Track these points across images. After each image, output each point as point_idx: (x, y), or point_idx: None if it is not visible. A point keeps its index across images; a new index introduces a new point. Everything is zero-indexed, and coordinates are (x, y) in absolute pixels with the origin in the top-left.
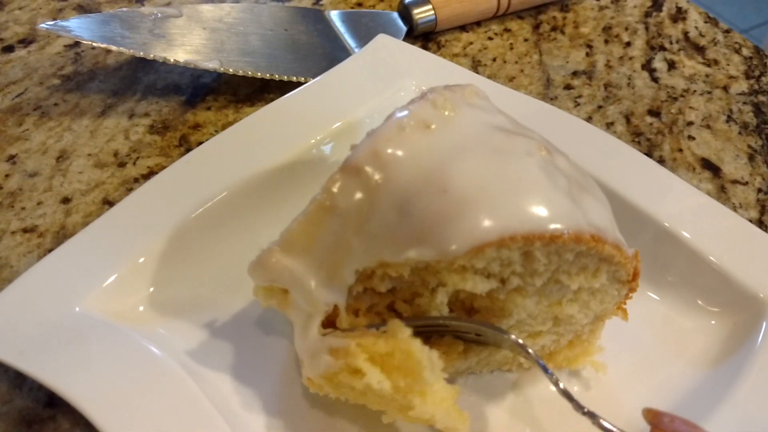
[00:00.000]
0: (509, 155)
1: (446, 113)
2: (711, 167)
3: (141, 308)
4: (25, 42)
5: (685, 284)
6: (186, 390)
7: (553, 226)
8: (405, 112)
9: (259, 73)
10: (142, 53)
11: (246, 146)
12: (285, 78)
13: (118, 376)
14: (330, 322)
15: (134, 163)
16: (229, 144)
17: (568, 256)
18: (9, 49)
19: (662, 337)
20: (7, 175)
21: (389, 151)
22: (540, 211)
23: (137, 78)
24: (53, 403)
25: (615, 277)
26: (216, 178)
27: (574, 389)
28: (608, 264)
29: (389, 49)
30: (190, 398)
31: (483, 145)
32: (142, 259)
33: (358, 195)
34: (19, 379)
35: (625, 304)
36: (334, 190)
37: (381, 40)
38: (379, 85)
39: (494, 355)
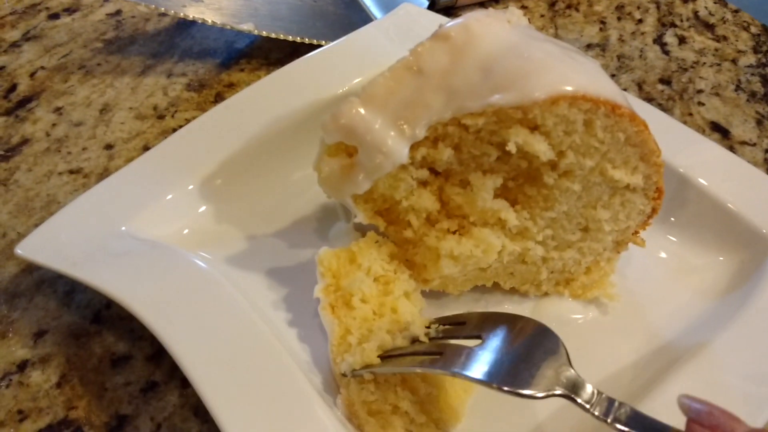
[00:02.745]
0: (567, 49)
1: (516, 20)
2: (720, 130)
3: (186, 231)
4: (70, 10)
5: (696, 225)
6: (228, 295)
7: (616, 99)
8: (489, 10)
9: (290, 37)
10: (182, 14)
11: (280, 94)
12: (314, 41)
13: (164, 282)
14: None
15: (173, 116)
16: (264, 92)
17: (620, 135)
18: (55, 16)
19: (673, 273)
20: (54, 124)
21: (477, 25)
22: (607, 87)
23: (174, 43)
24: (99, 319)
25: (646, 186)
26: (253, 121)
27: (589, 315)
28: (646, 164)
29: (413, 16)
30: (232, 303)
31: (547, 41)
32: (190, 186)
33: (444, 58)
34: (67, 298)
35: (643, 229)
36: (421, 51)
37: (405, 7)
38: (403, 47)
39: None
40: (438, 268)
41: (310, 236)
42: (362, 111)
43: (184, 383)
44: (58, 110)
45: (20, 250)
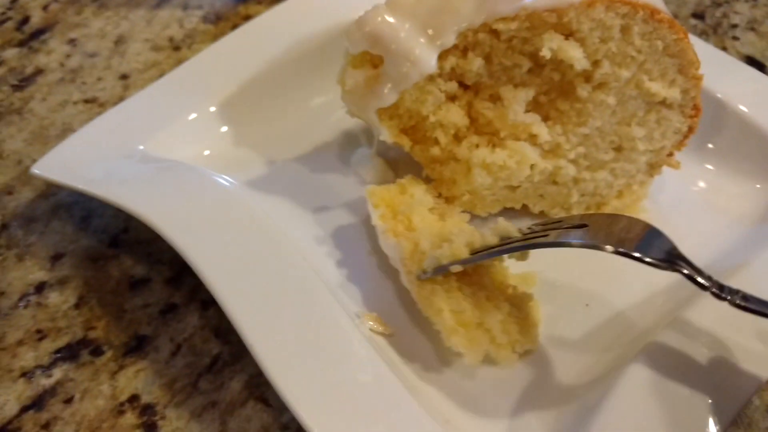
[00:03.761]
0: None
1: None
2: (755, 64)
3: (206, 152)
4: None
5: (734, 152)
6: (252, 213)
7: (655, 4)
8: None
9: None
10: None
11: (298, 20)
12: None
13: (187, 199)
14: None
15: (189, 48)
16: (283, 18)
17: (658, 44)
18: None
19: (709, 200)
20: (68, 56)
21: None
22: None
23: None
24: (117, 243)
25: (683, 101)
26: (272, 46)
27: None
28: (685, 77)
29: None
30: (255, 220)
31: None
32: (212, 108)
33: None
34: (83, 223)
35: (679, 150)
36: None
37: None
38: None
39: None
40: (470, 179)
41: (333, 162)
42: (388, 18)
43: (204, 305)
44: (71, 42)
45: (37, 169)
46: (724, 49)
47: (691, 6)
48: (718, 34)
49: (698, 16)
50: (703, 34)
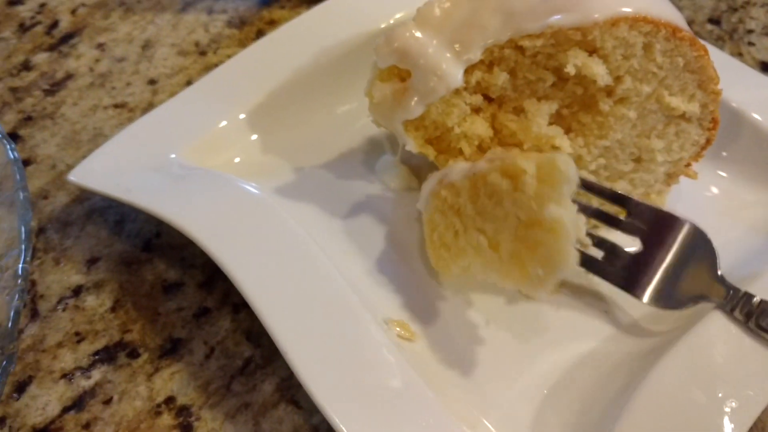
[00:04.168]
0: None
1: None
2: None
3: (237, 160)
4: None
5: (748, 160)
6: (282, 220)
7: (677, 22)
8: None
9: None
10: None
11: (324, 28)
12: None
13: (219, 207)
14: None
15: (215, 52)
16: (308, 26)
17: (679, 60)
18: None
19: (724, 209)
20: (97, 60)
21: None
22: (667, 9)
23: None
24: (150, 247)
25: (702, 115)
26: (298, 55)
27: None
28: (704, 91)
29: None
30: (286, 228)
31: None
32: (242, 116)
33: None
34: (117, 227)
35: (696, 161)
36: None
37: None
38: None
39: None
40: None
41: (358, 168)
42: (417, 33)
43: (236, 309)
44: (100, 46)
45: (73, 177)
46: (740, 54)
47: (707, 11)
48: (734, 39)
49: (714, 21)
50: (719, 40)
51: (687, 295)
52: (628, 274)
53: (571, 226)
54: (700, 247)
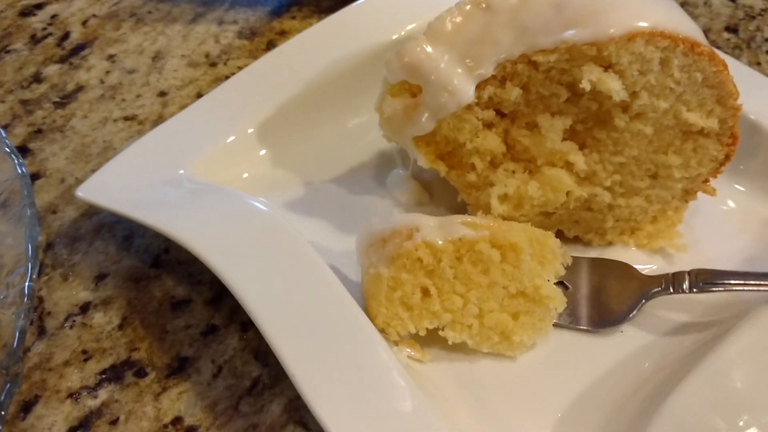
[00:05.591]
0: None
1: None
2: None
3: (245, 175)
4: None
5: (767, 174)
6: (291, 238)
7: (695, 37)
8: None
9: None
10: None
11: (334, 40)
12: None
13: (227, 224)
14: None
15: (225, 64)
16: (318, 38)
17: (697, 76)
18: None
19: (742, 224)
20: (107, 72)
21: None
22: (684, 23)
23: None
24: (158, 263)
25: (720, 131)
26: (308, 67)
27: (655, 266)
28: (723, 107)
29: None
30: (294, 245)
31: None
32: (250, 130)
33: None
34: (126, 243)
35: (714, 177)
36: None
37: None
38: None
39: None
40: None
41: (369, 183)
42: (428, 48)
43: (244, 327)
44: (110, 58)
45: (81, 192)
46: (758, 63)
47: (723, 19)
48: (752, 48)
49: (731, 29)
50: (736, 48)
51: (626, 304)
52: (570, 312)
53: (560, 301)
54: (607, 266)
